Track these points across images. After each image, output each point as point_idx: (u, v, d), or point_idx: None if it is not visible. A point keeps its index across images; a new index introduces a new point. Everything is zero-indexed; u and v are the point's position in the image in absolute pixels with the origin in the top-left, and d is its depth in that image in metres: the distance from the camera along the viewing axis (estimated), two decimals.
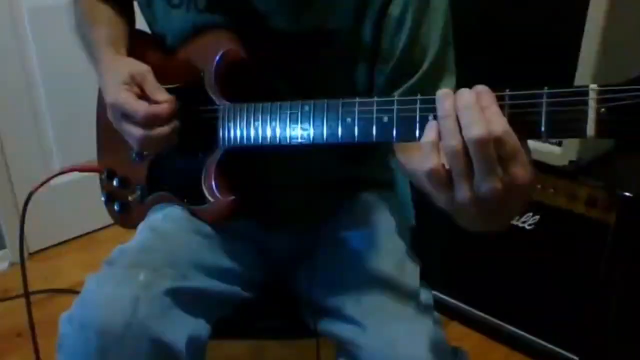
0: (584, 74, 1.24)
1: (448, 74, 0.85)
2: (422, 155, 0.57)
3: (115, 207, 1.02)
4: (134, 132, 0.81)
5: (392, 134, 0.64)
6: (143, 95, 0.82)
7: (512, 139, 0.54)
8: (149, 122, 0.80)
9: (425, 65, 0.82)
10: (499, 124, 0.54)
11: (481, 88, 0.56)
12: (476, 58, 1.42)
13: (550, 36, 1.32)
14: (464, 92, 0.56)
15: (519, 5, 1.37)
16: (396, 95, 0.76)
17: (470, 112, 0.54)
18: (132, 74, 0.82)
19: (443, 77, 0.84)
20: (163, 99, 0.81)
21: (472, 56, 1.40)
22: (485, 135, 0.53)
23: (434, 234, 1.53)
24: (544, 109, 0.54)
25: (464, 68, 0.86)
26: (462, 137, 0.55)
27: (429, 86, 0.82)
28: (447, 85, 0.83)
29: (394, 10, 0.81)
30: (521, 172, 0.55)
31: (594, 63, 1.22)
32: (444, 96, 0.57)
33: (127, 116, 0.81)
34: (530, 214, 1.46)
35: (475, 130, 0.53)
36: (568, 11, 1.27)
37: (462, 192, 0.56)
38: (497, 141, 0.54)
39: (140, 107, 0.80)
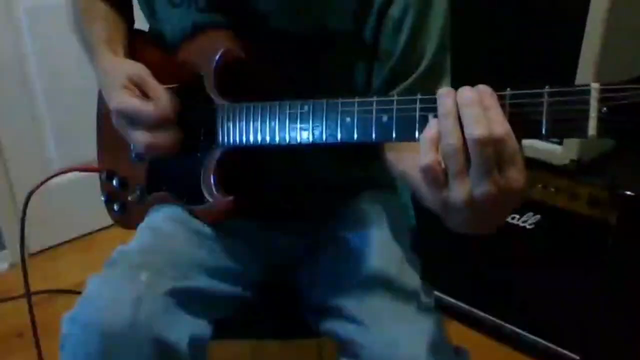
0: (584, 73, 1.23)
1: (444, 75, 0.85)
2: (420, 152, 0.57)
3: (115, 208, 1.02)
4: (141, 137, 0.82)
5: (392, 133, 0.63)
6: (144, 96, 0.82)
7: (513, 141, 0.54)
8: (159, 122, 0.81)
9: (422, 67, 0.83)
10: (501, 125, 0.54)
11: (483, 88, 0.56)
12: (477, 58, 1.42)
13: (550, 35, 1.32)
14: (466, 89, 0.56)
15: (520, 5, 1.37)
16: (391, 95, 0.75)
17: (473, 109, 0.54)
18: (129, 76, 0.83)
19: (439, 78, 0.85)
20: (164, 95, 0.81)
21: (474, 56, 1.40)
22: (487, 134, 0.53)
23: (434, 234, 1.53)
24: (545, 108, 0.53)
25: (465, 68, 0.86)
26: (463, 136, 0.54)
27: (425, 87, 0.82)
28: (443, 87, 0.84)
29: (394, 11, 0.81)
30: (517, 175, 0.54)
31: (595, 63, 1.22)
32: (445, 93, 0.57)
33: (133, 121, 0.82)
34: (531, 213, 1.46)
35: (477, 129, 0.53)
36: (568, 11, 1.26)
37: (457, 193, 0.56)
38: (498, 142, 0.53)
39: (149, 110, 0.81)
